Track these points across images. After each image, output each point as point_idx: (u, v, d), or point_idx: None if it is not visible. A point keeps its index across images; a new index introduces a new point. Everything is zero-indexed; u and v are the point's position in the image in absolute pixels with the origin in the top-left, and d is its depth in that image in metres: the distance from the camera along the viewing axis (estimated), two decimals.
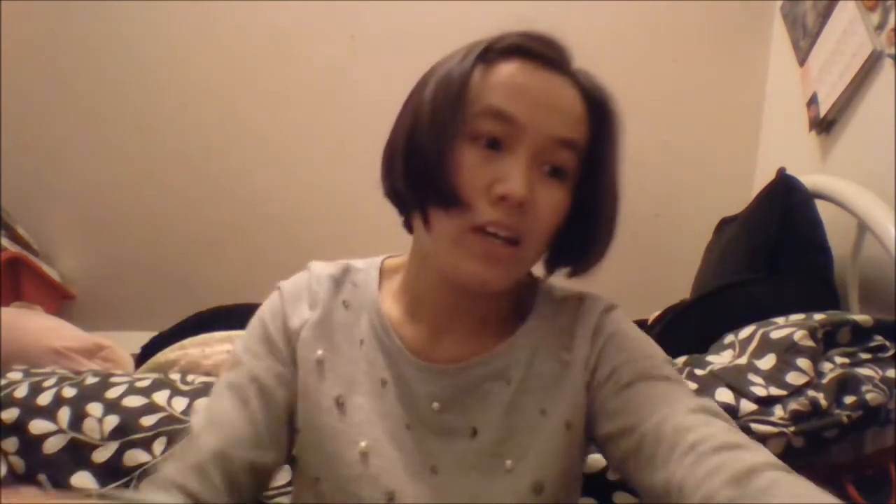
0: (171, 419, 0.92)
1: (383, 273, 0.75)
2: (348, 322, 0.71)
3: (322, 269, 0.74)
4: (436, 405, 0.67)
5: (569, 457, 0.67)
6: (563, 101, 0.64)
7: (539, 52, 0.64)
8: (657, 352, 0.69)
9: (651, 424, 0.59)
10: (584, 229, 0.67)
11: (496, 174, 0.61)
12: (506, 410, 0.67)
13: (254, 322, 0.72)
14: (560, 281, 0.76)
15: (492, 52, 0.65)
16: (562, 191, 0.64)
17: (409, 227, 0.71)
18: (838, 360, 0.97)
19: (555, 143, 0.62)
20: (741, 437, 0.55)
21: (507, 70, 0.63)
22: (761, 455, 0.53)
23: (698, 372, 0.96)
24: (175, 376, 1.03)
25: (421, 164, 0.62)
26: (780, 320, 1.04)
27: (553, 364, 0.68)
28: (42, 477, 0.89)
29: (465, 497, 0.64)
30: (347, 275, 0.74)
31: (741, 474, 0.50)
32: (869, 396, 0.89)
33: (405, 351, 0.69)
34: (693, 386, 0.92)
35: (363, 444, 0.65)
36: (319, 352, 0.69)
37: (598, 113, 0.66)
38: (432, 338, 0.70)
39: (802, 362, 0.93)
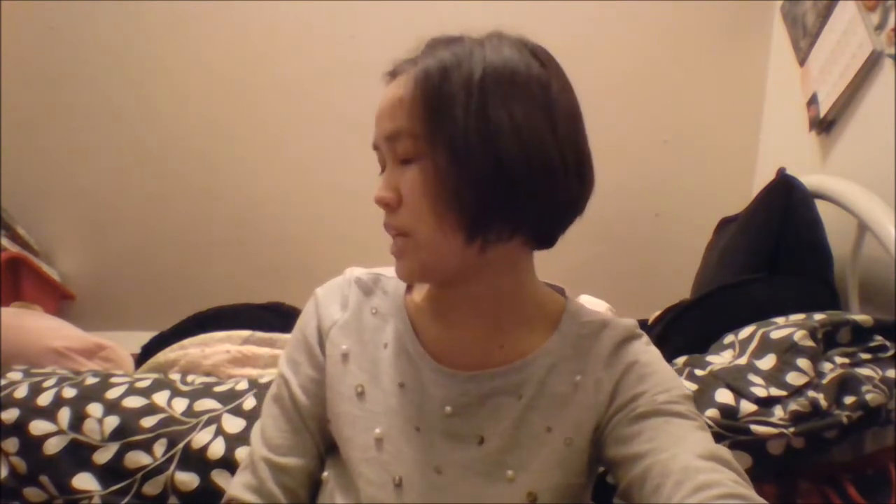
0: (172, 420, 0.92)
1: None
2: (375, 327, 0.75)
3: (355, 275, 0.79)
4: (448, 409, 0.69)
5: (567, 472, 0.68)
6: (384, 102, 0.67)
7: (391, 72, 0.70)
8: (676, 385, 0.69)
9: (660, 458, 0.59)
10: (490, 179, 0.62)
11: None
12: (514, 424, 0.69)
13: (294, 330, 0.77)
14: (566, 279, 0.76)
15: None
16: (413, 172, 0.65)
17: None
18: (838, 360, 0.97)
19: (388, 142, 0.67)
20: (749, 491, 0.55)
21: None
22: None
23: (698, 372, 0.96)
24: (175, 376, 1.03)
25: None
26: (780, 320, 1.04)
27: (565, 386, 0.70)
28: (44, 478, 0.89)
29: (463, 499, 0.66)
30: (378, 283, 0.78)
31: None
32: (869, 397, 0.89)
33: (426, 356, 0.71)
34: (693, 387, 0.92)
35: (378, 430, 0.68)
36: (345, 346, 0.73)
37: (419, 83, 0.64)
38: (451, 338, 0.72)
39: (802, 362, 0.93)
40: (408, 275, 0.69)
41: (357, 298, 0.76)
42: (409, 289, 0.77)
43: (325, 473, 0.72)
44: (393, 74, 0.69)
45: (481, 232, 0.64)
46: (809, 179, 1.35)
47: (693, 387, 0.92)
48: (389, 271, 0.78)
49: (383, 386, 0.71)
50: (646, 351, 0.72)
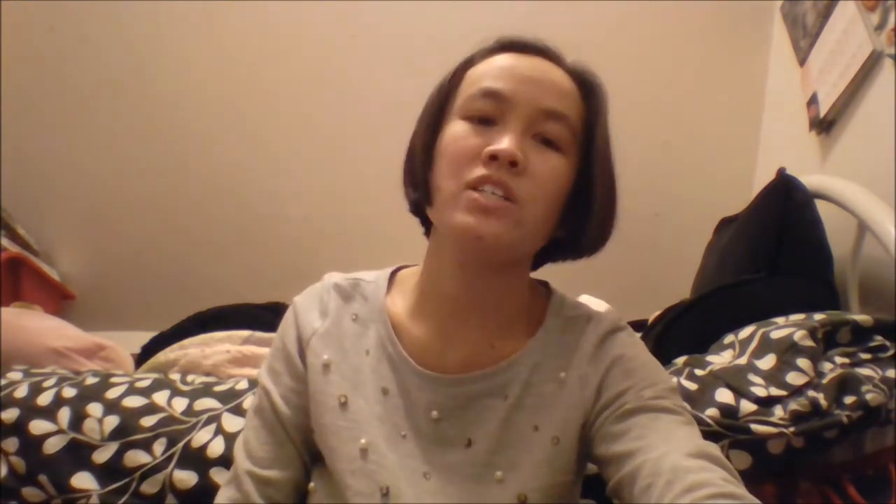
0: (171, 419, 0.92)
1: (395, 282, 0.78)
2: (356, 333, 0.73)
3: (334, 281, 0.77)
4: (435, 414, 0.69)
5: (556, 471, 0.68)
6: (548, 76, 0.68)
7: (522, 43, 0.71)
8: (662, 378, 0.69)
9: (650, 457, 0.59)
10: (583, 208, 0.69)
11: (488, 141, 0.64)
12: (501, 425, 0.68)
13: (274, 340, 0.76)
14: (565, 279, 0.76)
15: (477, 56, 0.71)
16: (558, 159, 0.66)
17: (428, 234, 0.75)
18: (838, 360, 0.97)
19: (543, 114, 0.66)
20: (739, 489, 0.55)
21: (495, 59, 0.70)
22: None
23: (698, 372, 0.96)
24: (175, 376, 1.03)
25: (414, 150, 0.71)
26: (780, 320, 1.03)
27: (550, 383, 0.70)
28: (43, 478, 0.89)
29: (454, 501, 0.66)
30: (357, 288, 0.76)
31: None
32: (869, 397, 0.89)
33: (409, 360, 0.71)
34: (693, 387, 0.92)
35: (363, 440, 0.68)
36: (326, 356, 0.72)
37: (588, 92, 0.70)
38: (438, 340, 0.71)
39: (802, 362, 0.93)
40: (495, 234, 0.62)
41: (336, 305, 0.75)
42: (389, 293, 0.76)
43: (312, 484, 0.71)
44: (519, 48, 0.70)
45: (567, 231, 0.70)
46: (809, 179, 1.35)
47: (693, 387, 0.92)
48: (368, 276, 0.78)
49: (366, 394, 0.70)
50: (630, 343, 0.72)
